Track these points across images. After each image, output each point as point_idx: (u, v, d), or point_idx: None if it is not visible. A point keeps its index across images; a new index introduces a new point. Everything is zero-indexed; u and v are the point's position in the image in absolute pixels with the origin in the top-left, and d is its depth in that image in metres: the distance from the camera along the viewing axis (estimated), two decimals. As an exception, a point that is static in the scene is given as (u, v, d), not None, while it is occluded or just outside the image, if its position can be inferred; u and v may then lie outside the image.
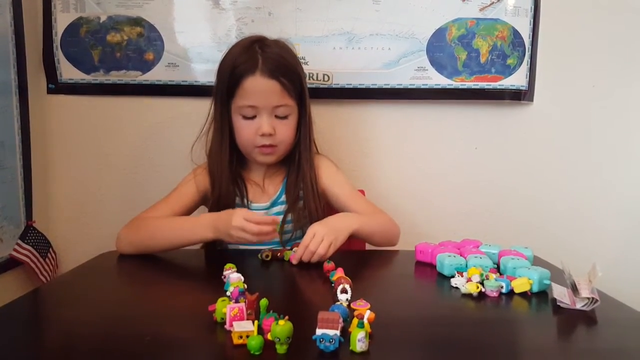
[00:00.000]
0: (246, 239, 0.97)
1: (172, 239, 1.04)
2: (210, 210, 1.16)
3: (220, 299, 0.70)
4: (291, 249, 1.03)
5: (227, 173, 1.14)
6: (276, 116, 1.11)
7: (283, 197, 1.18)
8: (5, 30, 1.25)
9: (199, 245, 1.19)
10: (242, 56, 1.09)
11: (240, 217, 0.97)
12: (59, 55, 1.40)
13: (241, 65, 1.08)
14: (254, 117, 1.10)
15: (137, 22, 1.39)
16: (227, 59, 1.12)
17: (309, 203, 1.15)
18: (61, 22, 1.39)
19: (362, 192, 1.38)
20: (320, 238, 0.98)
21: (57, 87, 1.42)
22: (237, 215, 0.97)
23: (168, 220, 1.08)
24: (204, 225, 1.03)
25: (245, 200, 1.16)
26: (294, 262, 0.98)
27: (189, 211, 1.17)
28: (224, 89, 1.11)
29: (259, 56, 1.08)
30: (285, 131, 1.12)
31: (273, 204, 1.17)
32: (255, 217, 0.97)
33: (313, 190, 1.16)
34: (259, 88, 1.07)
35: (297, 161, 1.17)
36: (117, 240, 1.07)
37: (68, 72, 1.41)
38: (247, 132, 1.11)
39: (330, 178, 1.20)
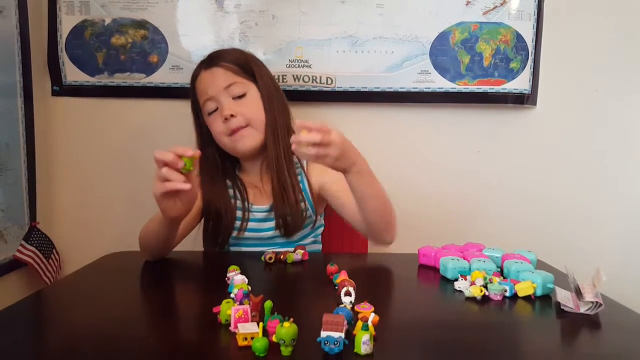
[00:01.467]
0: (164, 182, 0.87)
1: (149, 231, 1.00)
2: (205, 217, 1.16)
3: (224, 301, 0.70)
4: (294, 252, 1.03)
5: (212, 178, 1.15)
6: (235, 98, 1.12)
7: None
8: (11, 33, 1.26)
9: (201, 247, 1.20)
10: (194, 70, 1.17)
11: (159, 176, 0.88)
12: (64, 58, 1.41)
13: (192, 75, 1.17)
14: (217, 110, 1.13)
15: (142, 24, 1.40)
16: None
17: (277, 186, 1.12)
18: (66, 24, 1.40)
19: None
20: (328, 142, 0.84)
21: (61, 89, 1.43)
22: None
23: (150, 219, 1.04)
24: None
25: (246, 203, 1.16)
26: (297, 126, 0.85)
27: (195, 217, 1.15)
28: (192, 102, 1.18)
29: (204, 60, 1.15)
30: (247, 108, 1.12)
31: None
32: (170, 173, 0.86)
33: (285, 171, 1.13)
34: (205, 80, 1.13)
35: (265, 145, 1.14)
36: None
37: (72, 74, 1.42)
38: (216, 124, 1.13)
39: (326, 174, 1.18)
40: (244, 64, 1.14)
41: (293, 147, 0.84)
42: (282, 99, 1.18)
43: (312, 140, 0.82)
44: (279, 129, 1.14)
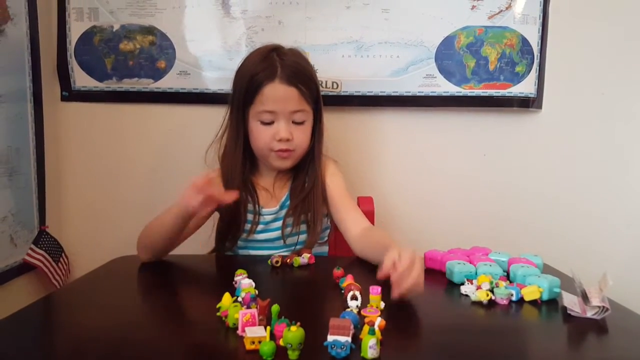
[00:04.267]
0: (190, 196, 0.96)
1: (159, 225, 1.04)
2: (222, 216, 1.17)
3: (232, 305, 0.71)
4: (299, 255, 1.04)
5: (239, 178, 1.16)
6: (293, 121, 1.13)
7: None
8: (21, 39, 1.28)
9: (208, 250, 1.20)
10: (260, 64, 1.11)
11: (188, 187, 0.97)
12: (73, 64, 1.43)
13: (260, 73, 1.10)
14: (271, 123, 1.12)
15: (150, 30, 1.42)
16: (245, 67, 1.14)
17: (315, 206, 1.16)
18: (75, 30, 1.42)
19: (371, 199, 1.39)
20: (418, 269, 0.80)
21: (70, 94, 1.45)
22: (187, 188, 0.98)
23: (159, 215, 1.08)
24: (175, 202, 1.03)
25: (257, 206, 1.17)
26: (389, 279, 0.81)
27: (205, 215, 1.16)
28: (242, 96, 1.13)
29: (278, 64, 1.10)
30: (301, 136, 1.14)
31: (282, 207, 1.19)
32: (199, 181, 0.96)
33: (320, 195, 1.17)
34: (278, 94, 1.09)
35: (307, 166, 1.19)
36: (137, 250, 1.07)
37: (81, 79, 1.44)
38: (265, 136, 1.12)
39: (329, 178, 1.21)
40: (314, 89, 1.15)
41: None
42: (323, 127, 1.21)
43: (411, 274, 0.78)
44: (319, 158, 1.19)
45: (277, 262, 1.02)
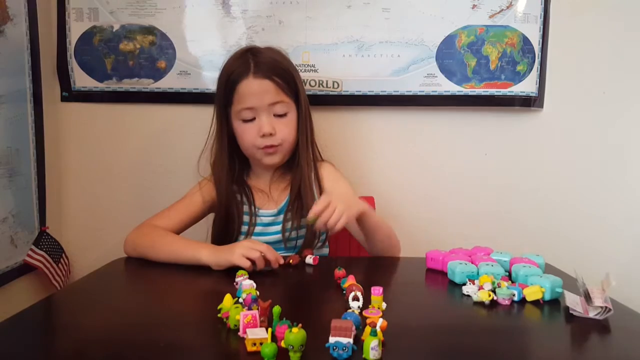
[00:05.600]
0: (249, 255, 0.96)
1: (168, 252, 1.05)
2: (216, 220, 1.18)
3: (233, 306, 0.71)
4: (302, 257, 1.03)
5: (228, 180, 1.16)
6: (275, 115, 1.12)
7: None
8: (21, 40, 1.27)
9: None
10: (235, 63, 1.13)
11: (247, 242, 1.01)
12: (73, 64, 1.43)
13: (235, 72, 1.12)
14: (253, 120, 1.12)
15: (150, 30, 1.41)
16: (222, 70, 1.16)
17: (307, 203, 1.15)
18: (75, 31, 1.42)
19: (372, 199, 1.38)
20: (334, 208, 0.95)
21: (70, 94, 1.44)
22: (244, 241, 1.03)
23: (171, 236, 1.10)
24: (201, 246, 1.03)
25: (253, 207, 1.17)
26: (310, 217, 0.95)
27: (196, 219, 1.19)
28: (222, 97, 1.14)
29: (251, 60, 1.11)
30: (285, 129, 1.14)
31: (280, 211, 1.18)
32: (259, 246, 0.98)
33: (312, 190, 1.17)
34: (253, 89, 1.10)
35: (298, 162, 1.18)
36: (125, 243, 1.10)
37: (81, 80, 1.43)
38: (249, 134, 1.13)
39: (331, 182, 1.21)
40: (292, 81, 1.14)
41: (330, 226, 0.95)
42: (311, 117, 1.21)
43: (318, 211, 0.94)
44: (309, 147, 1.18)
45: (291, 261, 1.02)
